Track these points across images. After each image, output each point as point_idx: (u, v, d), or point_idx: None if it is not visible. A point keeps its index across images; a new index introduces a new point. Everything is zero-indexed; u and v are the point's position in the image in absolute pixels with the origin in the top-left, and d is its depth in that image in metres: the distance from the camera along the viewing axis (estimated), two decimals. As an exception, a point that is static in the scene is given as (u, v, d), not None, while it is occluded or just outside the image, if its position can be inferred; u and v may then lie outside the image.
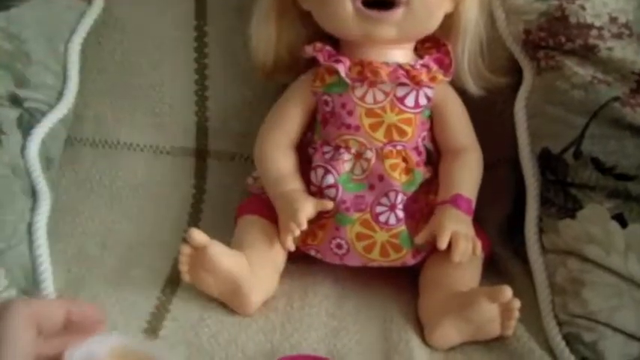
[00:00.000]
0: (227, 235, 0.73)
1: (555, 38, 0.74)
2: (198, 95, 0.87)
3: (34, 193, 0.71)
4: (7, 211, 0.67)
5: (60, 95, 0.78)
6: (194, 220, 0.84)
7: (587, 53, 0.72)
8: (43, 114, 0.75)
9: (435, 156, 0.76)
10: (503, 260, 0.78)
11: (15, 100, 0.71)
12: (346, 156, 0.72)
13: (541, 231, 0.72)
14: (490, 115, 0.81)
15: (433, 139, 0.76)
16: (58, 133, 0.77)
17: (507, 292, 0.62)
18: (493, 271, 0.76)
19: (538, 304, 0.69)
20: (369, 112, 0.71)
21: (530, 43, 0.76)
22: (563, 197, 0.71)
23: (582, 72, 0.71)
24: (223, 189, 0.87)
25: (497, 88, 0.78)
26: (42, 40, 0.76)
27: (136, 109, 0.87)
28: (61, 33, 0.79)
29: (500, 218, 0.82)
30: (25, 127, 0.73)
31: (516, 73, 0.79)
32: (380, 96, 0.71)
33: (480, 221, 0.75)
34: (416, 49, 0.75)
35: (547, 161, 0.73)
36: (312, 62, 0.76)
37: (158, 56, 0.87)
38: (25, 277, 0.66)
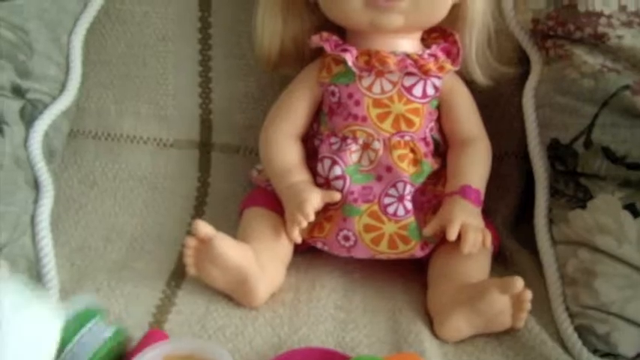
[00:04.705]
0: (232, 229, 0.72)
1: (564, 27, 0.73)
2: (202, 87, 0.86)
3: (36, 185, 0.70)
4: (10, 202, 0.66)
5: (63, 87, 0.77)
6: (198, 213, 0.83)
7: (597, 42, 0.71)
8: (46, 105, 0.74)
9: (443, 147, 0.76)
10: (512, 252, 0.77)
11: (17, 91, 0.71)
12: (354, 147, 0.71)
13: (551, 222, 0.72)
14: (498, 106, 0.80)
15: (441, 130, 0.75)
16: (60, 125, 0.77)
17: (519, 283, 0.61)
18: (501, 263, 0.75)
19: (548, 295, 0.68)
20: (376, 103, 0.70)
21: (538, 32, 0.75)
22: (573, 188, 0.70)
23: (592, 61, 0.70)
24: (228, 182, 0.86)
25: (505, 78, 0.77)
26: (45, 30, 0.75)
27: (140, 102, 0.86)
28: (65, 24, 0.78)
29: (508, 210, 0.81)
30: (28, 118, 0.72)
31: (524, 62, 0.78)
32: (387, 86, 0.70)
33: (488, 213, 0.74)
34: (423, 40, 0.74)
35: (556, 152, 0.72)
36: (317, 54, 0.75)
37: (162, 48, 0.86)
38: (29, 270, 0.66)
